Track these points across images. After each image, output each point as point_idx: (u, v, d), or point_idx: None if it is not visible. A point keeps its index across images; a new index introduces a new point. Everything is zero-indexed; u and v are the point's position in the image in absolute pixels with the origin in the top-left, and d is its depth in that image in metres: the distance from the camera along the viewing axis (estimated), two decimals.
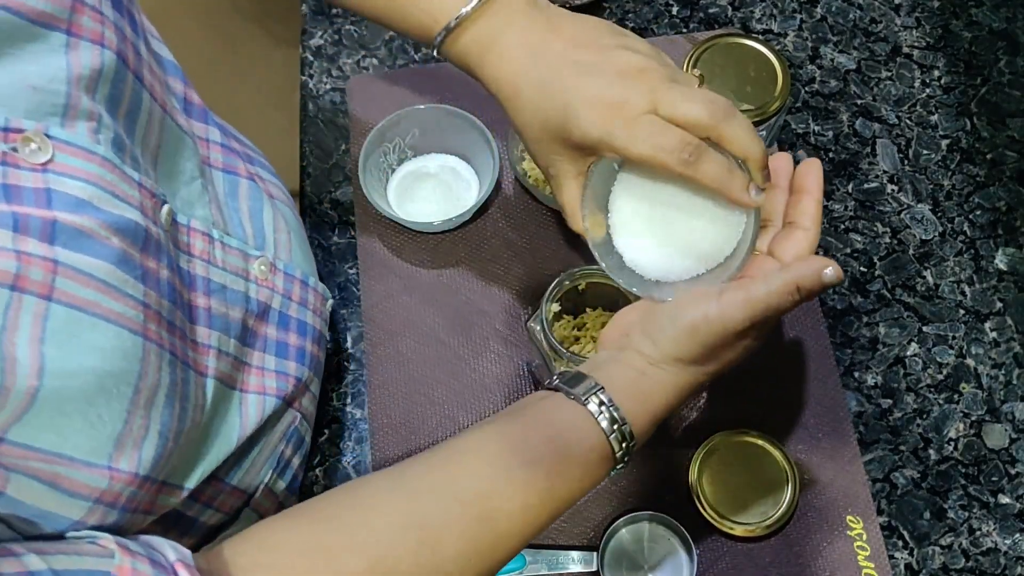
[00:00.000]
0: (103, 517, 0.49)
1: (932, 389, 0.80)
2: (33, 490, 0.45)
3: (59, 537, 0.47)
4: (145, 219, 0.51)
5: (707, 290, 0.56)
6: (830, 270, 0.53)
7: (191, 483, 0.57)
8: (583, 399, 0.55)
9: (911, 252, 0.85)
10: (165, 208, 0.54)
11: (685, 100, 0.55)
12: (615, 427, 0.55)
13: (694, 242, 0.59)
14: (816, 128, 0.90)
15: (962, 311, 0.83)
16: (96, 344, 0.46)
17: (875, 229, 0.86)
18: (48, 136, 0.47)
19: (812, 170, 0.59)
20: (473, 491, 0.53)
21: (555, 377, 0.58)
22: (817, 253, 0.84)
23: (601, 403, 0.55)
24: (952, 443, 0.78)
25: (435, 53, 0.63)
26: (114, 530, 0.49)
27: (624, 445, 0.55)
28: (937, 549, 0.75)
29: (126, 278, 0.48)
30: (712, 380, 0.58)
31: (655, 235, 0.59)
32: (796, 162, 0.88)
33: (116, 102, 0.52)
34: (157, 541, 0.48)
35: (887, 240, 0.86)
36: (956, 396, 0.80)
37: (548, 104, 0.58)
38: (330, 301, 0.75)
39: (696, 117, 0.55)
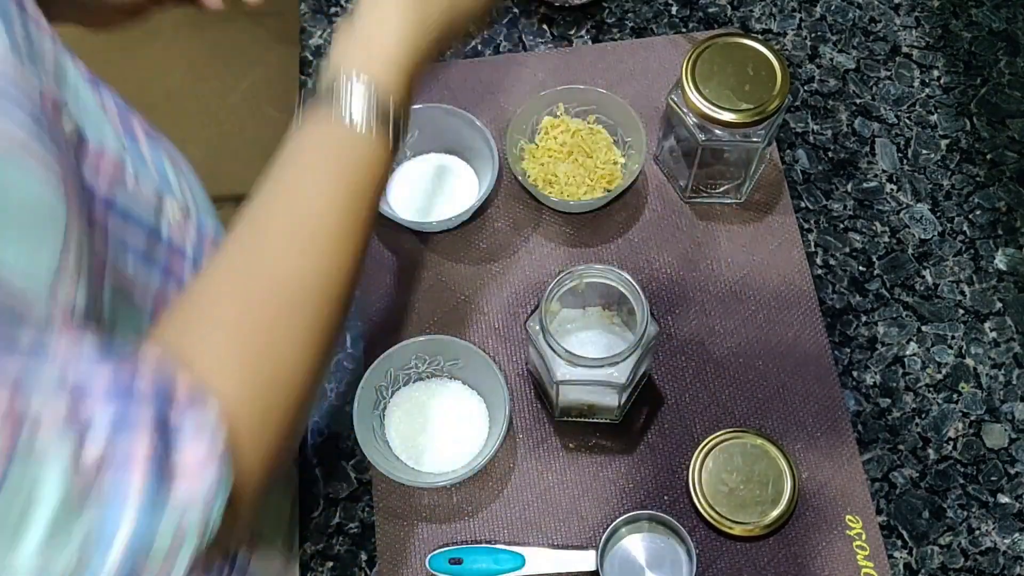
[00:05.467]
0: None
1: (931, 389, 0.80)
2: None
3: None
4: (45, 117, 0.49)
5: None
6: None
7: None
8: (324, 87, 0.54)
9: (910, 251, 0.85)
10: (67, 118, 0.52)
11: None
12: (343, 81, 0.54)
13: None
14: (815, 127, 0.90)
15: (961, 311, 0.83)
16: (29, 178, 0.44)
17: (874, 228, 0.86)
18: None
19: None
20: (294, 223, 0.53)
21: None
22: (816, 252, 0.85)
23: (333, 78, 0.54)
24: (951, 443, 0.78)
25: None
26: None
27: (367, 96, 0.54)
28: (936, 548, 0.75)
29: (42, 139, 0.46)
30: (439, 16, 0.57)
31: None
32: (795, 162, 0.88)
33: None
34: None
35: (886, 239, 0.86)
36: (955, 396, 0.80)
37: None
38: None
39: None
